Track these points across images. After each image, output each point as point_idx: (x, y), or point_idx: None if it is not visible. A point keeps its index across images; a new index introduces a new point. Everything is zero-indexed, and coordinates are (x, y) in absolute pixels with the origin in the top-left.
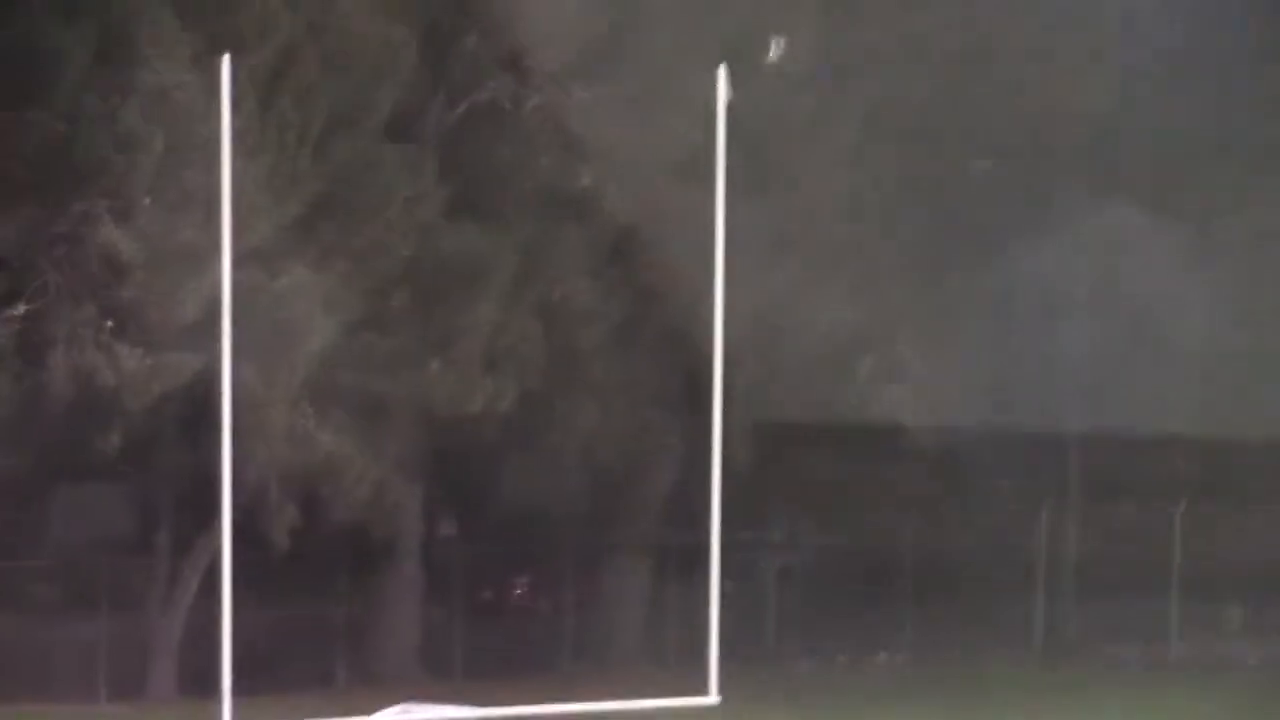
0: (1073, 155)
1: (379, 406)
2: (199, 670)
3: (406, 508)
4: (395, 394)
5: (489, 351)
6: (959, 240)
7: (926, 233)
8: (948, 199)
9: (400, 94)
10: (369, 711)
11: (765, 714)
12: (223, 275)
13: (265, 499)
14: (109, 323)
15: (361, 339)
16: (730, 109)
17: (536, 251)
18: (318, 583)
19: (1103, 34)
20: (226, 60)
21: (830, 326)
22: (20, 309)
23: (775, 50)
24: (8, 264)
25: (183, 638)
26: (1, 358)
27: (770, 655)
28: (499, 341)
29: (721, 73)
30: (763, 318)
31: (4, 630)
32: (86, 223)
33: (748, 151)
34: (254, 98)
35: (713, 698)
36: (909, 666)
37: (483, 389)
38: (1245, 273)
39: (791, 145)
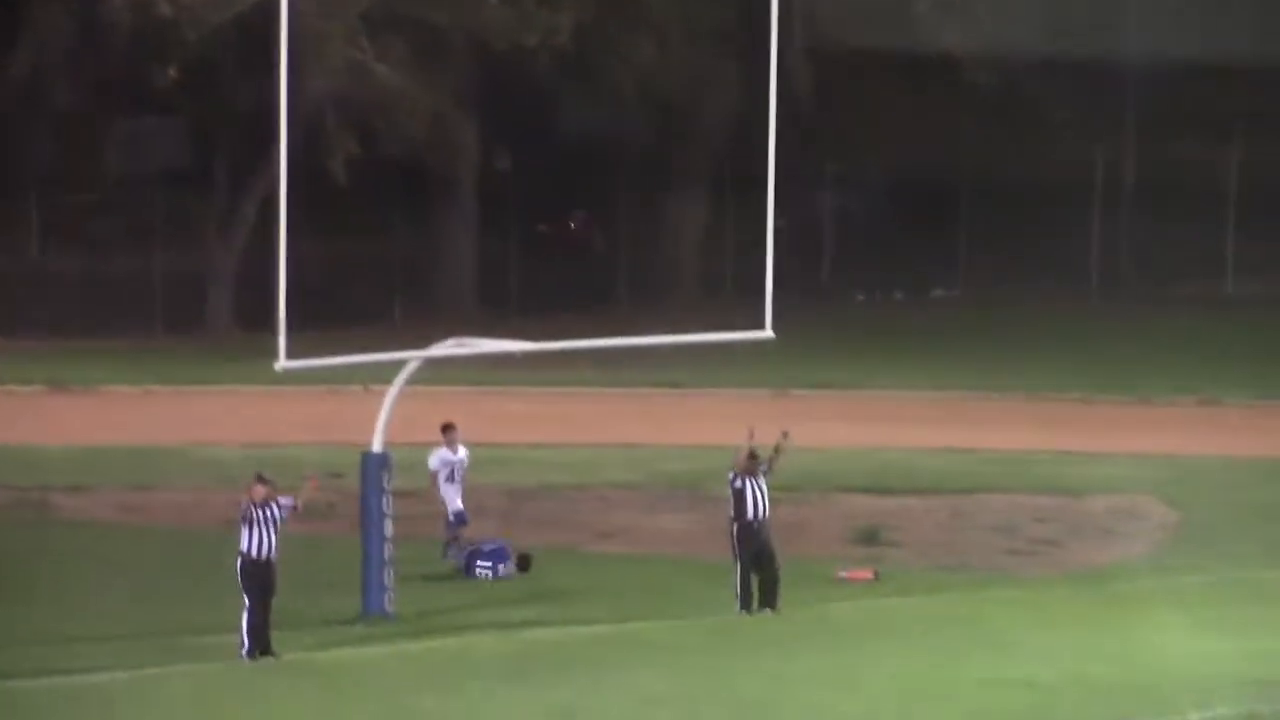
0: None
1: (436, 39)
2: (255, 303)
3: (463, 142)
4: (452, 26)
5: None
6: None
7: None
8: None
9: None
10: (423, 345)
11: (821, 348)
12: None
13: (323, 132)
14: None
15: None
16: None
17: None
18: (374, 217)
19: None
20: None
21: None
22: None
23: None
24: None
25: (239, 271)
26: None
27: (826, 291)
28: None
29: None
30: None
31: (63, 264)
32: None
33: None
34: None
35: (767, 332)
36: (964, 302)
37: (539, 22)
38: None
39: None
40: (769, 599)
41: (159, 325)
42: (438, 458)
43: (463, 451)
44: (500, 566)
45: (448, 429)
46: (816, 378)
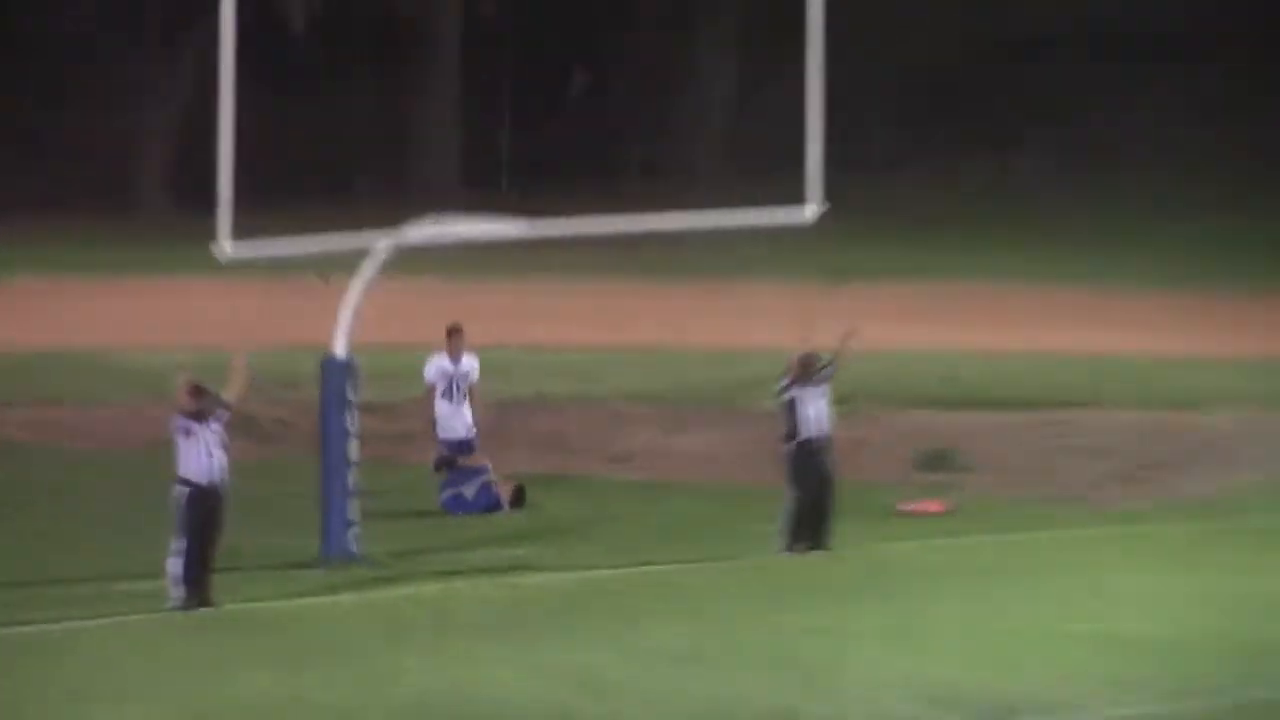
0: None
1: None
2: (194, 178)
3: None
4: None
5: None
6: None
7: None
8: None
9: None
10: (394, 225)
11: (878, 231)
12: None
13: None
14: None
15: None
16: None
17: None
18: (337, 72)
19: None
20: None
21: None
22: None
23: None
24: None
25: (175, 139)
26: None
27: (880, 163)
28: None
29: None
30: None
31: None
32: None
33: None
34: None
35: (813, 210)
36: (1047, 175)
37: None
38: None
39: None
40: (820, 536)
41: (79, 203)
42: (434, 367)
43: (467, 362)
44: (491, 514)
45: (453, 333)
46: (873, 267)
